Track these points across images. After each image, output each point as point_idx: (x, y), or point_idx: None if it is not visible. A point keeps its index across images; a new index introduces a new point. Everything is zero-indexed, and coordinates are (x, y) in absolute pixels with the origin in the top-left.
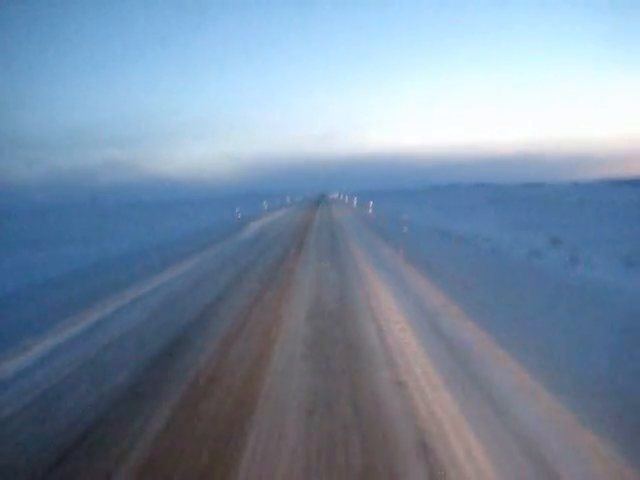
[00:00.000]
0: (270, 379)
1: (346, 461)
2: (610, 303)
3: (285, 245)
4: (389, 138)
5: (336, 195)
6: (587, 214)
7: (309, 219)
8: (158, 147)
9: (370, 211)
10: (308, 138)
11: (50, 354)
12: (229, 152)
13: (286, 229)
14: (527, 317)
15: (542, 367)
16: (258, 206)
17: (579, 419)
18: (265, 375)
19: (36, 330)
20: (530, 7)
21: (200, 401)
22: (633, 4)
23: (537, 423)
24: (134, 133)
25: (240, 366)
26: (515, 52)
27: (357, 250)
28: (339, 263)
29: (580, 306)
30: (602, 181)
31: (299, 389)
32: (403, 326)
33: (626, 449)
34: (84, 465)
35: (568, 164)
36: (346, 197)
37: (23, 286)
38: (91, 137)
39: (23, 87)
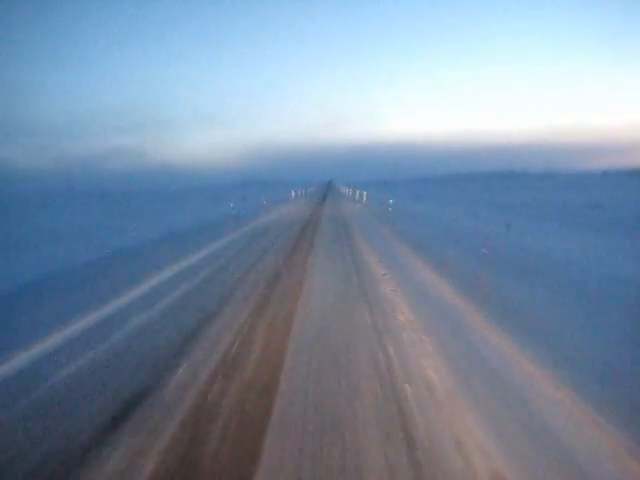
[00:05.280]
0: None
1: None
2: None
3: None
4: (403, 125)
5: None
6: None
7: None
8: (165, 134)
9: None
10: (317, 125)
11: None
12: (236, 139)
13: None
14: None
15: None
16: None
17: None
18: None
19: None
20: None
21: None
22: None
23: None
24: (141, 120)
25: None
26: (527, 42)
27: None
28: None
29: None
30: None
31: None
32: None
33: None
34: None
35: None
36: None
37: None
38: (99, 124)
39: (32, 74)
